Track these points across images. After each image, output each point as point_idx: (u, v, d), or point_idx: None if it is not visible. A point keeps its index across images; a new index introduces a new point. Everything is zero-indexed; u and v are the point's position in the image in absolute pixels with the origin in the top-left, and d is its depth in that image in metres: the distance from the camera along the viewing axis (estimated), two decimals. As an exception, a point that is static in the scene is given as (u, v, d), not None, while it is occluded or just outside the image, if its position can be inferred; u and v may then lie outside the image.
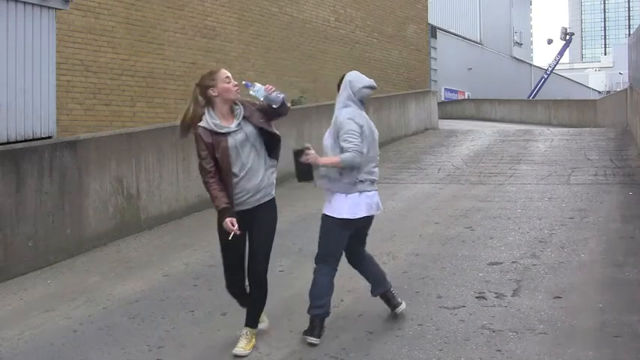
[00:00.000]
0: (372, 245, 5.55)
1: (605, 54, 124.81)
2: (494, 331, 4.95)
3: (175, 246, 8.09)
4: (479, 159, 14.71)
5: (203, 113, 4.61)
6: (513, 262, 6.75)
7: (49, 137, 8.23)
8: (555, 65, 53.13)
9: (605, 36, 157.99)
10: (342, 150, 4.73)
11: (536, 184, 11.24)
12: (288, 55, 16.96)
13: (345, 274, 5.39)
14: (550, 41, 62.87)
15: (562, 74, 66.48)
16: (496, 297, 5.71)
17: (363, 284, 5.47)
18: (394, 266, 6.66)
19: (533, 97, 48.38)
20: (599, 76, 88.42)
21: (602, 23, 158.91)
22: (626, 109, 21.10)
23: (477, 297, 5.73)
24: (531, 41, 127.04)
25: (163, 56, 12.72)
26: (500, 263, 6.71)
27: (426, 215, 9.19)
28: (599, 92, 70.05)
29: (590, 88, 72.16)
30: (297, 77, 17.22)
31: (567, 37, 54.46)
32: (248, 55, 15.27)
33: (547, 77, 51.46)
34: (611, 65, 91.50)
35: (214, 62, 13.46)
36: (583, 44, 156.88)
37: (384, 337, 4.96)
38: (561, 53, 53.70)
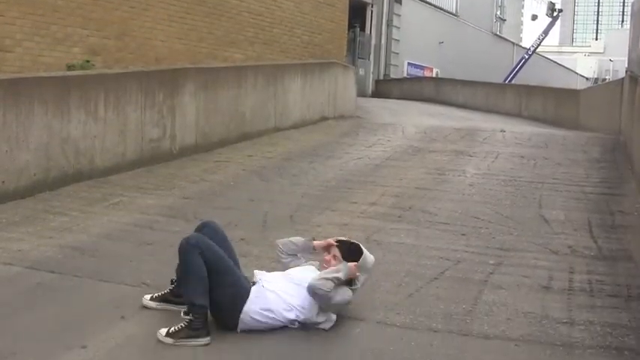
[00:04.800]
0: None
1: (597, 39, 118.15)
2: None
3: None
4: (334, 194, 7.77)
5: None
6: None
7: None
8: (539, 45, 46.01)
9: (597, 21, 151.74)
10: None
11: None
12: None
13: None
14: (534, 17, 55.70)
15: (549, 56, 59.29)
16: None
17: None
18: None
19: (510, 80, 41.41)
20: (588, 61, 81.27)
21: (596, 7, 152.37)
22: (620, 108, 14.31)
23: None
24: (522, 21, 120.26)
25: None
26: None
27: None
28: (587, 79, 63.20)
29: (577, 74, 65.10)
30: (82, 27, 10.22)
31: (554, 13, 47.19)
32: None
33: (528, 58, 44.40)
34: (602, 51, 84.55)
35: None
36: (574, 28, 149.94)
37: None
38: (546, 32, 46.56)
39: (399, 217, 7.01)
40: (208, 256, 3.90)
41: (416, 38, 35.54)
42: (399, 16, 33.96)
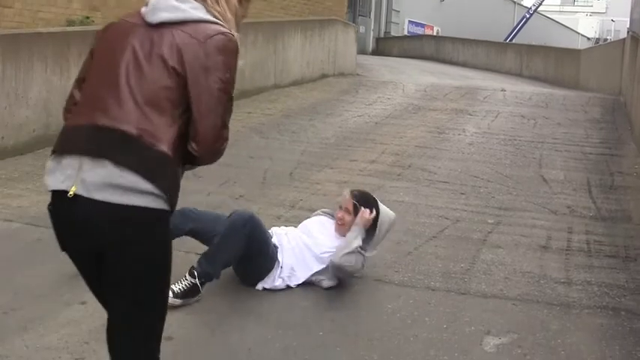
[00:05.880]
0: None
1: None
2: None
3: None
4: (331, 154, 7.76)
5: None
6: None
7: None
8: (540, 4, 45.54)
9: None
10: None
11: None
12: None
13: None
14: (536, -26, 54.95)
15: (550, 16, 58.63)
16: None
17: None
18: None
19: (511, 39, 41.00)
20: (589, 21, 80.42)
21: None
22: (621, 68, 14.23)
23: None
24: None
25: None
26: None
27: None
28: (588, 39, 62.62)
29: (579, 33, 64.47)
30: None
31: (557, -29, 46.63)
32: None
33: (529, 17, 43.97)
34: (604, 11, 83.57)
35: None
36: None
37: None
38: (548, -10, 46.02)
39: (399, 175, 7.01)
40: (253, 240, 3.91)
41: (417, -4, 35.23)
42: (400, -28, 33.57)
